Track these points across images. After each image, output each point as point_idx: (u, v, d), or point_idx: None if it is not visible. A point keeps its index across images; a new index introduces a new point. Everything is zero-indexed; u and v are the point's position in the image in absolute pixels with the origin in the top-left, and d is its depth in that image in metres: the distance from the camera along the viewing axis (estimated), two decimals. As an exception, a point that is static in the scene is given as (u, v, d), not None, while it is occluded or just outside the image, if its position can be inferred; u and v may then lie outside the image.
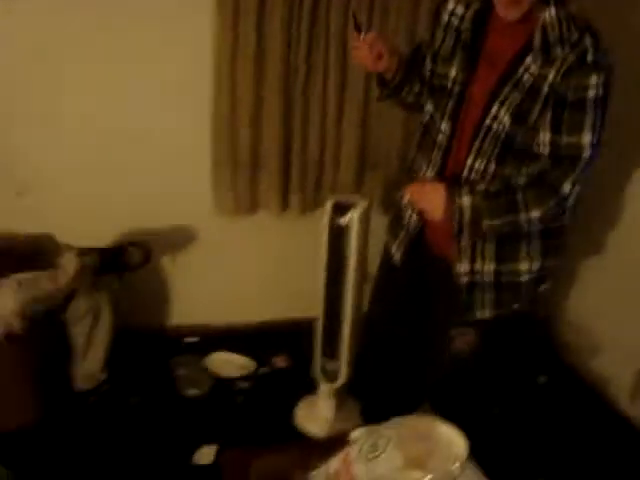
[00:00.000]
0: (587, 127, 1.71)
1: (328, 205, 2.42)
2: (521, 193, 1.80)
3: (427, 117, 2.03)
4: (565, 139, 1.74)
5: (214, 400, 2.79)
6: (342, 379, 2.57)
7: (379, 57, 1.95)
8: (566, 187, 1.77)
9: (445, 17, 1.94)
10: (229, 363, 3.00)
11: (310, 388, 2.70)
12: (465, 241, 1.93)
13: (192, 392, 2.81)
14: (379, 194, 3.03)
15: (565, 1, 1.73)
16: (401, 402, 1.87)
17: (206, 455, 2.47)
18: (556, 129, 1.75)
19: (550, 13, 1.70)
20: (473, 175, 1.89)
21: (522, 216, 1.81)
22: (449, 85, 1.91)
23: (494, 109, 1.82)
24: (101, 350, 2.68)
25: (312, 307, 2.59)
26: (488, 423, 2.36)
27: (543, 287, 2.04)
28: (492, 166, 1.86)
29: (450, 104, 1.92)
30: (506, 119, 1.80)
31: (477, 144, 1.87)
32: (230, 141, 2.85)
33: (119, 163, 2.86)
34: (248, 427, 2.63)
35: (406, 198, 2.05)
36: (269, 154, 2.90)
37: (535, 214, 1.80)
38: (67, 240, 2.88)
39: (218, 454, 2.44)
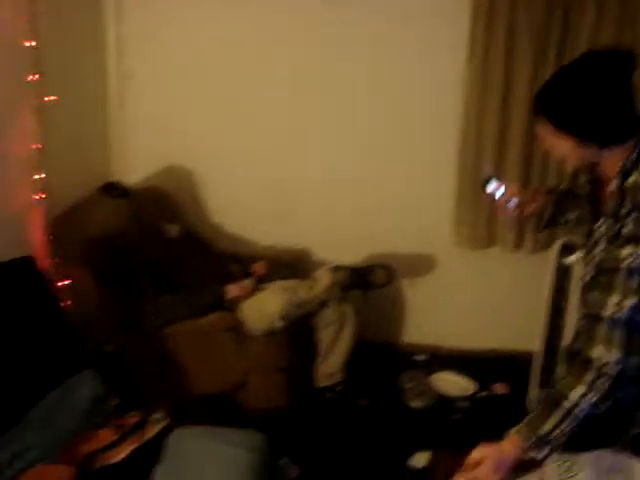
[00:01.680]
0: (616, 290, 1.56)
1: (556, 245, 2.59)
2: (558, 383, 1.62)
3: None
4: (592, 297, 1.63)
5: (434, 413, 3.04)
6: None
7: (522, 207, 2.02)
8: (596, 352, 1.58)
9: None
10: (452, 383, 3.23)
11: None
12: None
13: (416, 404, 3.08)
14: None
15: (632, 172, 1.63)
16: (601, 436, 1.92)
17: (420, 459, 2.70)
18: (590, 288, 1.65)
19: (612, 185, 1.66)
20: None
21: (566, 404, 1.59)
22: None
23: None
24: (342, 354, 3.03)
25: (534, 340, 2.77)
26: None
27: None
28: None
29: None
30: (588, 276, 1.73)
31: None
32: (472, 178, 3.12)
33: (371, 198, 3.30)
34: (462, 441, 2.79)
35: None
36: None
37: (578, 392, 1.57)
38: (321, 255, 3.34)
39: (431, 460, 2.68)
